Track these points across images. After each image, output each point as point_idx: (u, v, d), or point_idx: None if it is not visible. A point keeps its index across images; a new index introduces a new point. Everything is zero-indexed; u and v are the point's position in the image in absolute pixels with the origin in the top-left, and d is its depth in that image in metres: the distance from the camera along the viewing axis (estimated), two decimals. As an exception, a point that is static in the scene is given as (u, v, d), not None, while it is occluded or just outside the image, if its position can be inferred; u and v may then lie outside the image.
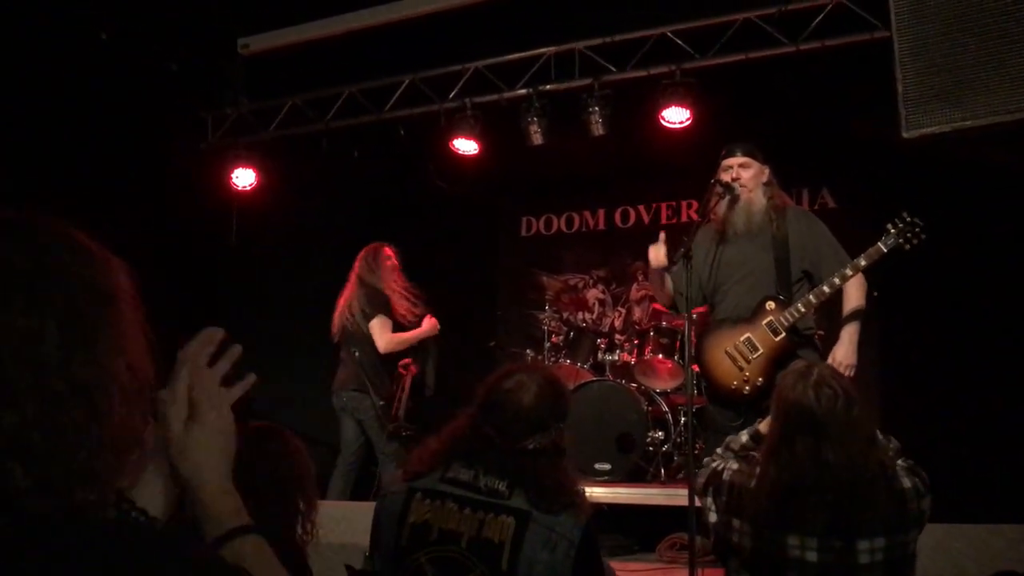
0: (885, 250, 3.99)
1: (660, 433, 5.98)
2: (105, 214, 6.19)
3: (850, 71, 5.88)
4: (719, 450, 2.79)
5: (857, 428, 2.27)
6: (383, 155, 7.57)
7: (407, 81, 6.87)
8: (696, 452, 4.79)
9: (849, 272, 4.00)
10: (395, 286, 5.61)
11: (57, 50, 5.95)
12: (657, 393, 6.24)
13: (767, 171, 4.41)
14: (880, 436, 2.44)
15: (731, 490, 2.42)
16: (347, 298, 5.58)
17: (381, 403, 5.46)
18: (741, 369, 4.11)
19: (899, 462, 2.41)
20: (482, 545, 2.11)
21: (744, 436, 2.77)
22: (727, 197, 4.34)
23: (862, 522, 2.21)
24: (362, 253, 5.67)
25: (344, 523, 4.26)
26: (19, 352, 0.85)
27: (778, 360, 4.03)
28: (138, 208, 6.43)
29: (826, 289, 4.03)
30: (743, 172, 4.35)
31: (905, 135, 3.16)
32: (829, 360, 4.03)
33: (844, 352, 4.08)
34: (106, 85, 6.23)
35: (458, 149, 6.81)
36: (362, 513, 3.95)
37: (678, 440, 5.98)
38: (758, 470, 2.37)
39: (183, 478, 1.14)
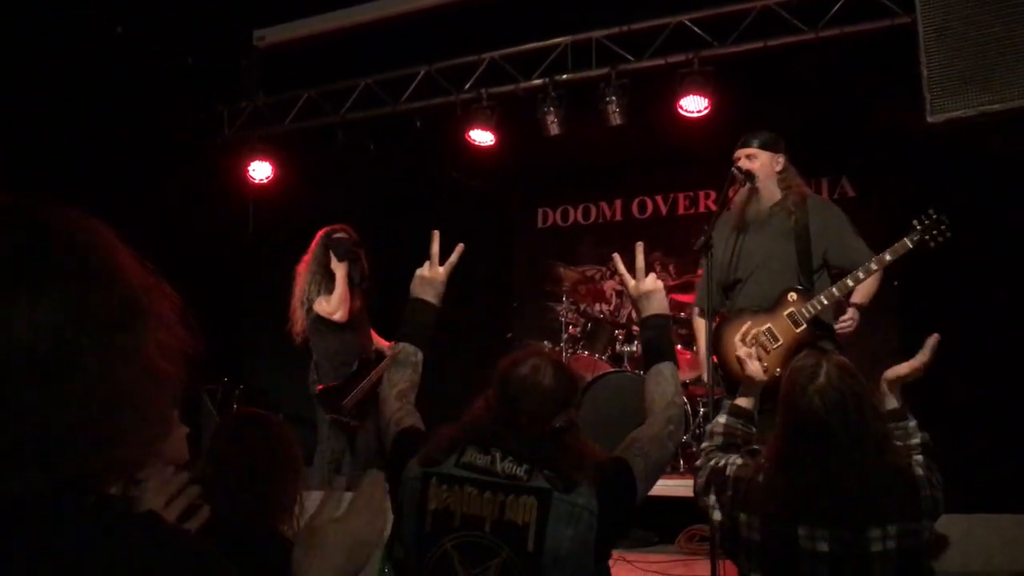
0: (911, 246, 3.94)
1: (679, 424, 5.93)
2: (122, 208, 6.21)
3: (870, 58, 5.82)
4: (705, 443, 2.74)
5: (866, 433, 2.21)
6: (399, 147, 7.56)
7: (423, 72, 6.85)
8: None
9: (874, 267, 3.98)
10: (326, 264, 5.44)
11: (73, 45, 5.96)
12: (676, 384, 6.19)
13: (781, 160, 4.35)
14: (910, 424, 2.39)
15: (736, 485, 2.38)
16: (297, 296, 5.45)
17: (317, 392, 5.37)
18: (760, 359, 4.05)
19: (917, 457, 2.37)
20: (506, 528, 2.11)
21: (722, 418, 2.72)
22: (747, 184, 4.31)
23: (873, 511, 2.18)
24: (315, 239, 5.53)
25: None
26: (77, 324, 0.92)
27: (798, 351, 3.90)
28: (155, 202, 6.45)
29: (850, 283, 4.02)
30: (749, 163, 4.32)
31: (930, 119, 3.11)
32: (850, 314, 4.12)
33: (855, 312, 4.17)
34: (122, 79, 6.24)
35: (474, 140, 6.78)
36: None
37: (697, 431, 5.94)
38: (763, 473, 2.33)
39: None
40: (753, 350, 2.77)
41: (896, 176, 6.80)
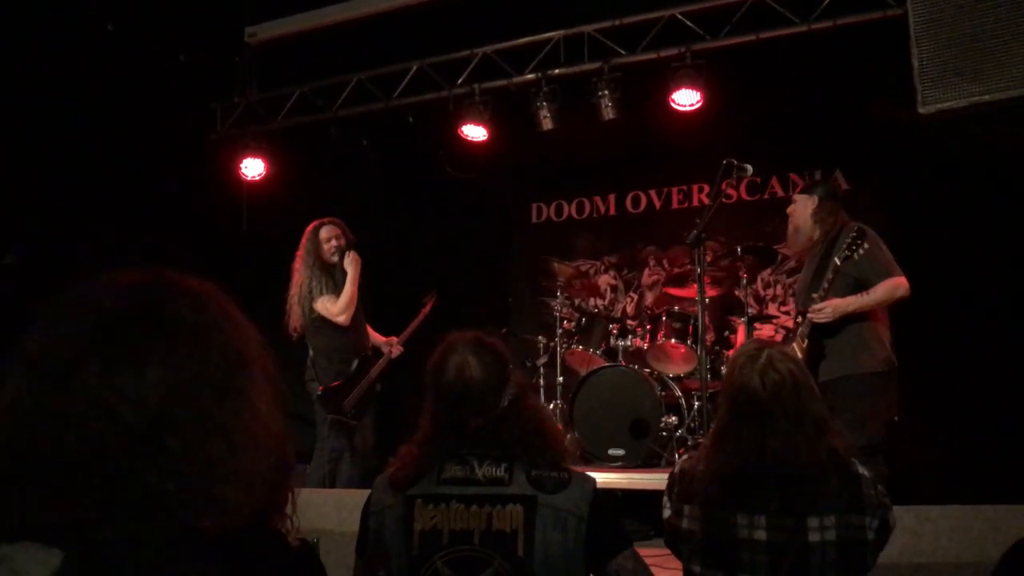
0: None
1: (674, 418, 5.94)
2: (115, 206, 6.20)
3: (862, 50, 5.82)
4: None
5: (804, 413, 2.23)
6: (392, 142, 7.55)
7: (415, 67, 6.83)
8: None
9: (866, 298, 4.44)
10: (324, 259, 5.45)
11: (64, 42, 5.94)
12: (670, 378, 6.21)
13: (815, 200, 4.80)
14: (856, 464, 2.36)
15: (682, 478, 2.40)
16: (294, 292, 5.44)
17: (319, 392, 5.36)
18: None
19: (860, 466, 2.35)
20: (495, 537, 2.14)
21: None
22: (743, 176, 4.56)
23: (812, 500, 2.19)
24: (305, 234, 5.53)
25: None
26: (184, 395, 1.02)
27: (808, 362, 4.40)
28: (148, 200, 6.43)
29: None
30: (792, 207, 4.95)
31: (922, 111, 3.12)
32: (824, 302, 4.44)
33: (840, 301, 4.45)
34: (114, 77, 6.21)
35: (467, 135, 6.78)
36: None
37: (692, 425, 5.95)
38: (704, 459, 2.35)
39: None
40: None
41: (889, 168, 6.80)
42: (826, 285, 4.45)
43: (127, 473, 0.97)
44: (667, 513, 2.45)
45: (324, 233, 5.51)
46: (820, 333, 4.52)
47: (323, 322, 5.37)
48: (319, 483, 5.21)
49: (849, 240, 4.33)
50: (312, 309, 5.35)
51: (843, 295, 4.47)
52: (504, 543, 2.13)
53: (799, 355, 4.40)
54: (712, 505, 2.27)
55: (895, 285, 4.46)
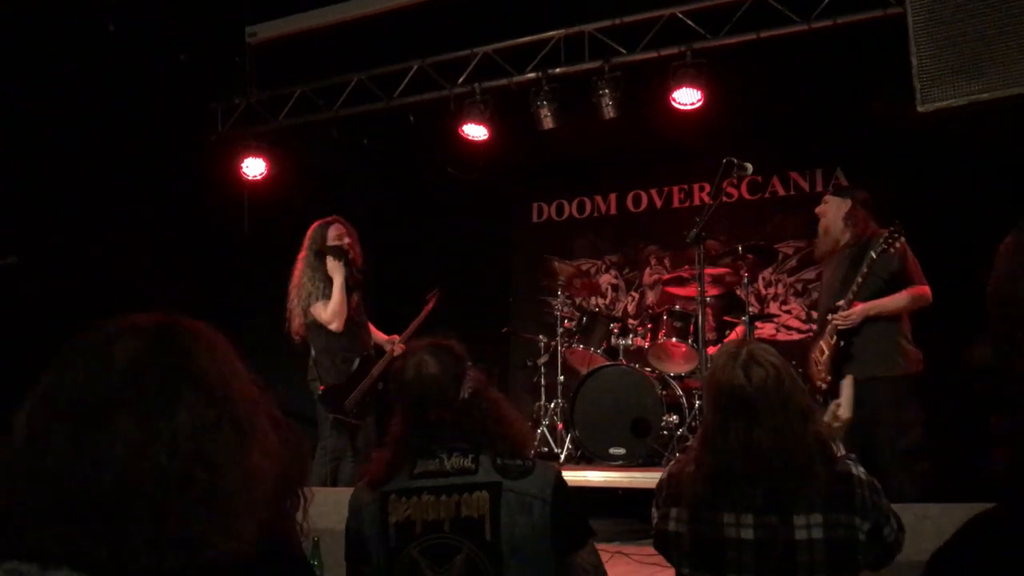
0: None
1: (675, 417, 5.95)
2: (116, 208, 6.21)
3: (863, 49, 5.82)
4: None
5: (789, 403, 2.24)
6: (393, 142, 7.55)
7: (416, 67, 6.84)
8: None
9: (893, 304, 4.66)
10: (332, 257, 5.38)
11: (65, 43, 5.94)
12: (671, 377, 6.21)
13: (848, 204, 4.93)
14: (855, 469, 2.34)
15: (669, 482, 2.41)
16: (292, 296, 5.41)
17: (319, 392, 5.35)
18: (820, 370, 4.83)
19: (853, 463, 2.34)
20: (463, 523, 2.25)
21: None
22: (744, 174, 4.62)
23: (798, 496, 2.19)
24: (308, 234, 5.49)
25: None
26: (211, 433, 1.09)
27: (835, 359, 4.73)
28: (149, 201, 6.44)
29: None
30: (822, 207, 5.08)
31: (920, 109, 3.12)
32: (850, 309, 4.64)
33: (866, 305, 4.64)
34: (114, 77, 6.22)
35: (468, 135, 6.78)
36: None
37: (693, 424, 5.95)
38: (692, 460, 2.35)
39: None
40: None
41: (890, 167, 6.80)
42: (855, 288, 4.63)
43: (162, 510, 1.05)
44: (656, 519, 2.45)
45: (333, 232, 5.46)
46: (850, 332, 4.68)
47: (320, 325, 5.37)
48: (320, 482, 5.21)
49: (886, 235, 4.49)
50: (308, 313, 5.34)
51: (870, 297, 4.64)
52: (473, 529, 2.24)
53: (826, 353, 4.71)
54: (700, 506, 2.27)
55: (921, 294, 4.66)
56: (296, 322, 5.40)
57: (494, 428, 2.37)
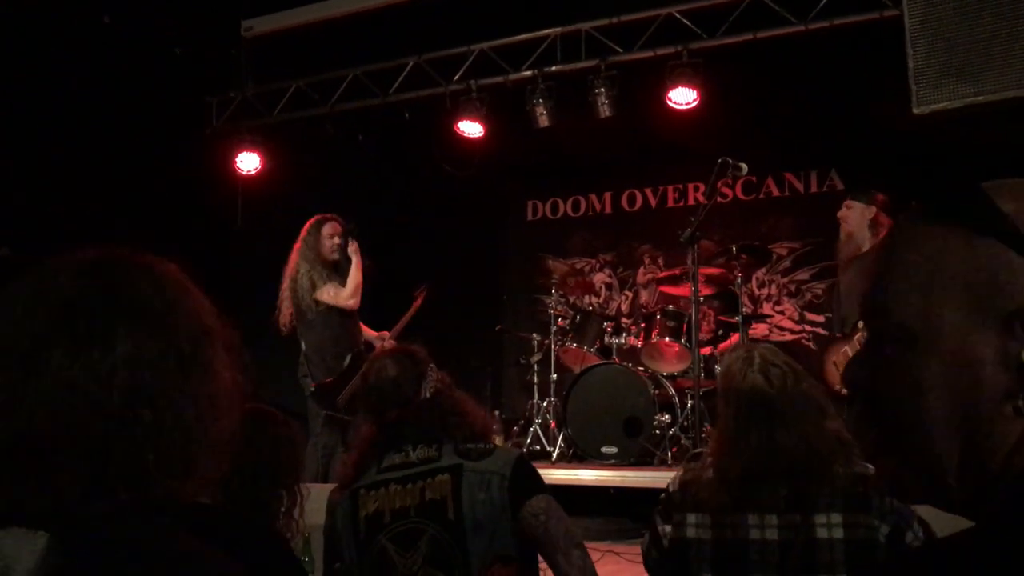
0: None
1: (667, 416, 5.95)
2: (109, 200, 6.19)
3: (859, 51, 5.82)
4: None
5: (808, 401, 2.28)
6: (388, 138, 7.54)
7: (412, 63, 6.83)
8: (703, 435, 4.79)
9: None
10: (326, 253, 5.46)
11: (60, 35, 5.92)
12: (664, 376, 6.21)
13: (873, 211, 5.01)
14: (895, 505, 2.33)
15: (684, 490, 2.38)
16: (285, 287, 5.41)
17: (312, 389, 5.35)
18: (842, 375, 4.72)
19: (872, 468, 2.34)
20: (428, 507, 2.33)
21: None
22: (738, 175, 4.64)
23: (819, 496, 2.21)
24: (305, 227, 5.51)
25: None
26: (153, 367, 1.04)
27: None
28: (143, 194, 6.41)
29: None
30: (845, 212, 5.10)
31: (916, 111, 3.12)
32: None
33: None
34: (109, 70, 6.20)
35: (463, 132, 6.77)
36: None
37: (685, 423, 5.95)
38: (711, 465, 2.35)
39: None
40: None
41: (885, 169, 6.80)
42: None
43: (103, 449, 1.00)
44: (665, 530, 2.40)
45: (327, 230, 5.48)
46: None
47: (317, 315, 5.35)
48: (312, 479, 5.20)
49: None
50: (316, 301, 5.33)
51: None
52: (436, 510, 2.32)
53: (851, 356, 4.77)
54: (723, 510, 2.27)
55: None
56: (286, 313, 5.40)
57: (454, 420, 2.46)
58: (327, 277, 5.35)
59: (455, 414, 2.48)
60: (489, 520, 2.30)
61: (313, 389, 5.35)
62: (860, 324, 4.76)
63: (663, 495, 2.49)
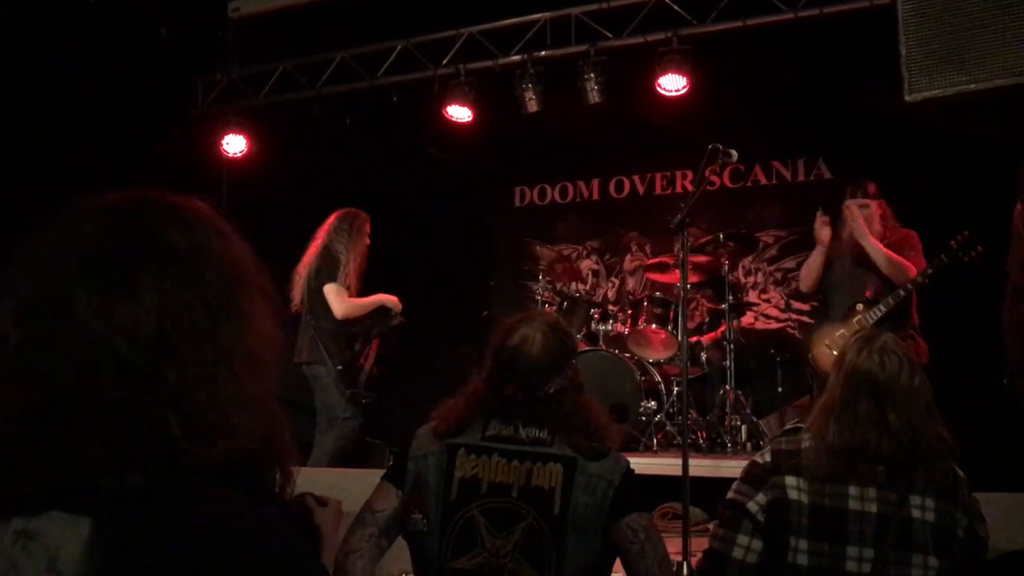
0: (948, 262, 4.85)
1: (653, 403, 5.96)
2: (93, 182, 6.12)
3: (849, 39, 5.81)
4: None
5: (919, 395, 2.33)
6: (376, 122, 7.49)
7: (400, 47, 6.78)
8: (688, 422, 4.79)
9: (920, 279, 4.91)
10: (360, 259, 5.47)
11: (44, 16, 5.84)
12: (650, 363, 6.21)
13: (890, 212, 5.25)
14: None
15: (786, 455, 2.39)
16: (307, 263, 5.42)
17: (339, 368, 5.34)
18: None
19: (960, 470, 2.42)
20: (532, 493, 2.22)
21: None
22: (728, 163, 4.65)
23: (915, 479, 2.28)
24: (334, 217, 5.49)
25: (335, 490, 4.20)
26: (179, 319, 0.98)
27: None
28: (128, 176, 6.32)
29: (901, 293, 4.94)
30: (870, 212, 5.22)
31: (908, 99, 3.12)
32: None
33: (865, 228, 5.08)
34: (94, 51, 6.12)
35: (452, 116, 6.73)
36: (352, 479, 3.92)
37: (670, 410, 5.97)
38: (813, 434, 2.38)
39: None
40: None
41: (872, 158, 6.81)
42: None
43: (130, 408, 0.94)
44: (759, 500, 2.37)
45: (368, 229, 5.53)
46: (876, 324, 4.88)
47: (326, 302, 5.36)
48: (336, 460, 5.24)
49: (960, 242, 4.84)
50: (321, 288, 5.33)
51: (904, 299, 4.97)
52: (541, 499, 2.22)
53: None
54: (825, 478, 2.31)
55: (906, 266, 4.94)
56: (298, 291, 5.40)
57: (574, 420, 2.33)
58: (335, 274, 5.34)
59: (578, 415, 2.36)
60: (590, 525, 2.22)
61: (339, 370, 5.35)
62: (859, 307, 4.98)
63: (748, 469, 2.46)
